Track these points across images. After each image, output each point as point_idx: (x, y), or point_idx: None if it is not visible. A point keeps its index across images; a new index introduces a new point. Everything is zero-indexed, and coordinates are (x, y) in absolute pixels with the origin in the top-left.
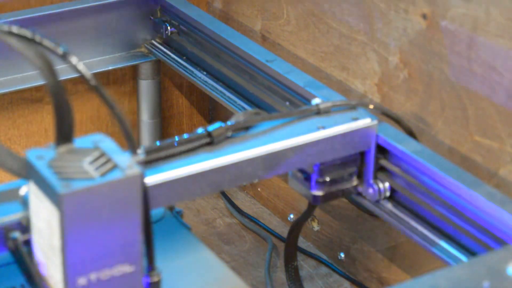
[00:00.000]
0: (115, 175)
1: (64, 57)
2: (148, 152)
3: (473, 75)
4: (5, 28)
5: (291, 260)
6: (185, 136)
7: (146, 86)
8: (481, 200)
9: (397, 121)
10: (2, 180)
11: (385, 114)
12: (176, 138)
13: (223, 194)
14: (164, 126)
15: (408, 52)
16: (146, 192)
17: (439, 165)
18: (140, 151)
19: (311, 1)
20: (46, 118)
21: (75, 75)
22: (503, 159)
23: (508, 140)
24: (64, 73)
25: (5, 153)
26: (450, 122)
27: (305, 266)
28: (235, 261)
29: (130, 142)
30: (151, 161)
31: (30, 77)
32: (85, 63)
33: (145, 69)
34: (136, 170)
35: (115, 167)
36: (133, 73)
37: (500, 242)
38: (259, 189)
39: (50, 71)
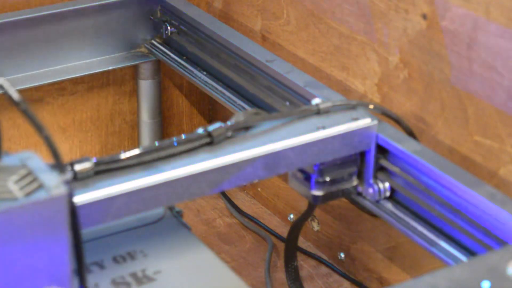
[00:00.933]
0: (40, 195)
1: None
2: (98, 163)
3: (473, 75)
4: None
5: (291, 260)
6: (185, 136)
7: (146, 86)
8: (481, 200)
9: (397, 121)
10: None
11: (385, 114)
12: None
13: (223, 194)
14: (164, 126)
15: (408, 52)
16: (74, 211)
17: (439, 165)
18: (69, 170)
19: (311, 1)
20: (46, 118)
21: (74, 75)
22: (503, 159)
23: (508, 140)
24: (64, 74)
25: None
26: (450, 122)
27: (305, 266)
28: (235, 261)
29: (56, 161)
30: (106, 171)
31: (30, 77)
32: (85, 63)
33: (145, 69)
34: (62, 189)
35: (40, 186)
36: (133, 73)
37: (500, 242)
38: (259, 189)
39: None
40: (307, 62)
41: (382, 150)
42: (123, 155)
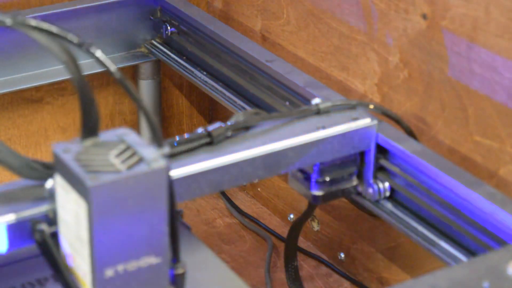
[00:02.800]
0: (141, 168)
1: (88, 51)
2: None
3: (473, 75)
4: (31, 22)
5: (291, 260)
6: (185, 136)
7: (146, 86)
8: (481, 200)
9: (397, 121)
10: (2, 179)
11: (385, 114)
12: (177, 138)
13: (223, 194)
14: (164, 126)
15: (408, 52)
16: (171, 185)
17: (439, 165)
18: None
19: (311, 1)
20: (46, 118)
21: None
22: (503, 159)
23: (508, 140)
24: (64, 74)
25: (6, 151)
26: (450, 122)
27: (305, 266)
28: (235, 261)
29: (155, 136)
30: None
31: (30, 77)
32: (85, 63)
33: (145, 69)
34: (161, 163)
35: (141, 160)
36: (133, 73)
37: (500, 242)
38: (259, 189)
39: (75, 65)
40: (307, 62)
41: (382, 150)
42: None
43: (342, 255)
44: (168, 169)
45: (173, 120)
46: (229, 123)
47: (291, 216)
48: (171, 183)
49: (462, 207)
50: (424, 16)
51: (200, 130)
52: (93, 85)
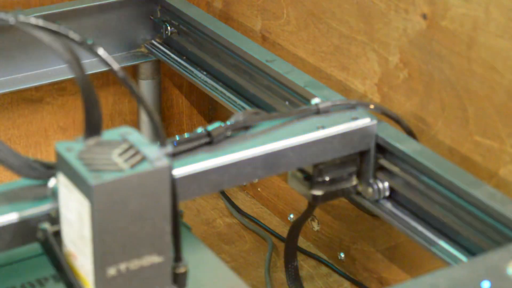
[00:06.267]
0: (144, 167)
1: (91, 49)
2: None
3: (473, 75)
4: (34, 21)
5: (291, 260)
6: (185, 135)
7: (146, 86)
8: (481, 200)
9: (397, 121)
10: (2, 179)
11: (385, 114)
12: (177, 138)
13: (223, 194)
14: (164, 126)
15: (408, 52)
16: (174, 184)
17: (439, 165)
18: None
19: (311, 1)
20: (46, 118)
21: (73, 75)
22: (503, 159)
23: (508, 140)
24: (64, 74)
25: (6, 151)
26: (450, 122)
27: (305, 266)
28: (235, 261)
29: (158, 135)
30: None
31: (30, 77)
32: (85, 63)
33: (145, 69)
34: (164, 162)
35: (143, 159)
36: (133, 73)
37: (500, 242)
38: (259, 189)
39: (78, 64)
40: (307, 62)
41: (381, 150)
42: None
43: (342, 255)
44: (171, 168)
45: (173, 120)
46: (228, 123)
47: (291, 216)
48: (174, 182)
49: (462, 207)
50: (424, 16)
51: (200, 130)
52: (93, 85)
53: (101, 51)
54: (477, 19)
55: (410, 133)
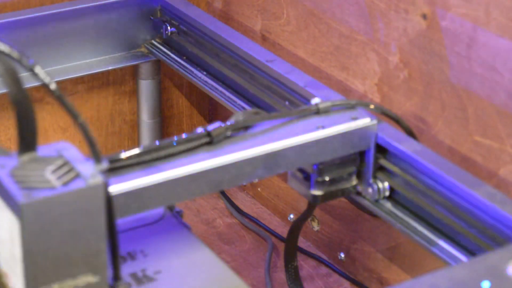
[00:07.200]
0: (77, 184)
1: (26, 65)
2: (113, 160)
3: (473, 75)
4: None
5: (291, 260)
6: (185, 135)
7: (146, 86)
8: (481, 200)
9: (397, 121)
10: None
11: (385, 114)
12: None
13: (223, 194)
14: (164, 126)
15: (408, 52)
16: (110, 201)
17: (439, 165)
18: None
19: (311, 1)
20: (46, 118)
21: (74, 75)
22: (503, 159)
23: (508, 140)
24: (64, 74)
25: None
26: (450, 122)
27: (305, 266)
28: (235, 261)
29: (93, 151)
30: (122, 167)
31: (30, 77)
32: (85, 63)
33: (145, 69)
34: (98, 179)
35: (77, 176)
36: (133, 73)
37: (500, 242)
38: (259, 189)
39: (12, 78)
40: (307, 62)
41: (381, 150)
42: (123, 155)
43: (342, 255)
44: (106, 185)
45: (173, 120)
46: (228, 122)
47: (291, 216)
48: (109, 199)
49: (462, 207)
50: (424, 16)
51: (199, 129)
52: (93, 85)
53: (37, 69)
54: (477, 19)
55: (410, 133)
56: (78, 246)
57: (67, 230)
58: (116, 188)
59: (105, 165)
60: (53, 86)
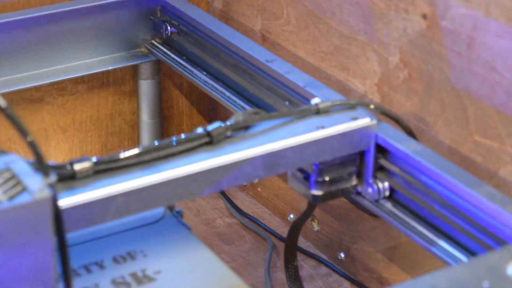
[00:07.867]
0: (23, 199)
1: None
2: (100, 162)
3: (473, 75)
4: None
5: (291, 260)
6: (185, 135)
7: (146, 86)
8: (481, 200)
9: (397, 121)
10: None
11: (385, 114)
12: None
13: (223, 194)
14: (164, 126)
15: (408, 52)
16: (59, 215)
17: (439, 165)
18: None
19: (311, 1)
20: (46, 118)
21: (74, 75)
22: (503, 159)
23: (508, 140)
24: (64, 74)
25: None
26: (450, 122)
27: (305, 266)
28: (235, 261)
29: (40, 164)
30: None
31: (30, 77)
32: (85, 63)
33: (145, 69)
34: (46, 193)
35: (24, 189)
36: (133, 73)
37: (500, 242)
38: (259, 189)
39: None
40: (307, 62)
41: (381, 150)
42: (123, 155)
43: (342, 255)
44: (54, 199)
45: (173, 120)
46: (228, 122)
47: (291, 216)
48: (58, 213)
49: (462, 207)
50: (424, 16)
51: (199, 129)
52: (93, 85)
53: None
54: (477, 19)
55: (410, 133)
56: (25, 261)
57: (14, 245)
58: (117, 188)
59: (53, 178)
60: (2, 103)
